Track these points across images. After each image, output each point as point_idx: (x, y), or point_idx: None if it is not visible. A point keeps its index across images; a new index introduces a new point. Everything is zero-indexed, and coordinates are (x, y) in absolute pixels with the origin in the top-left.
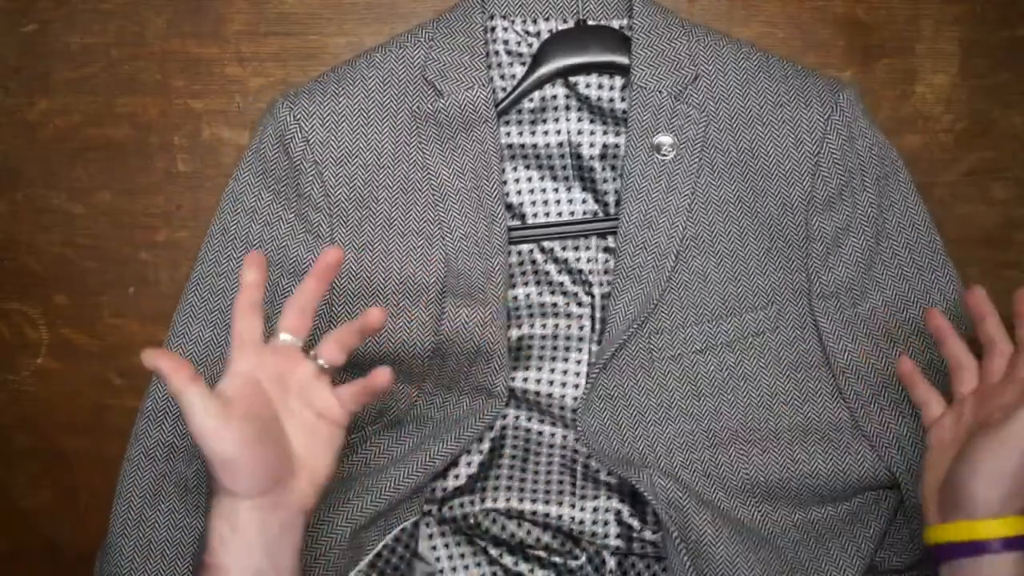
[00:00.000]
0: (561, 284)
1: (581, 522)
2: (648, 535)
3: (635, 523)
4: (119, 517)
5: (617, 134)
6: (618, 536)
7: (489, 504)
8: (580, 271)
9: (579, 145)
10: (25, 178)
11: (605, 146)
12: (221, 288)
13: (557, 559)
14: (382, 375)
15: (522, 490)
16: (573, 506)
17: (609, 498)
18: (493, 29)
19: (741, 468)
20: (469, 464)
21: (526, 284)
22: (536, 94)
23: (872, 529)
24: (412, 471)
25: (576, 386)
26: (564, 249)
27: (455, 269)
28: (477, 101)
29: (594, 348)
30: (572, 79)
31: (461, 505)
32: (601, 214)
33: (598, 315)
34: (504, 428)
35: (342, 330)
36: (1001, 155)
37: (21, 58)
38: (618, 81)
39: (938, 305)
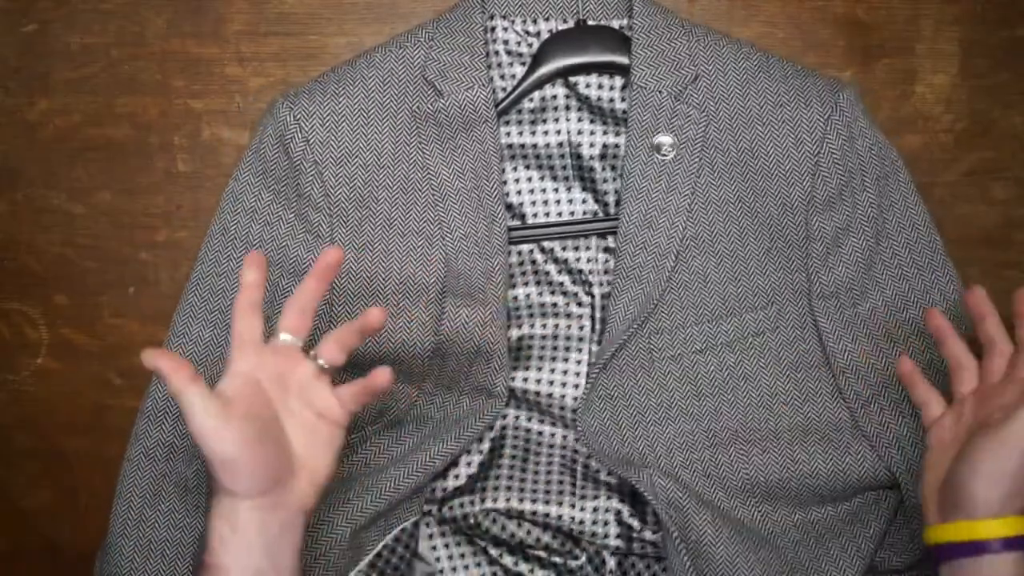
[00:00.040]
0: (561, 284)
1: (581, 522)
2: (648, 535)
3: (635, 523)
4: (119, 517)
5: (617, 134)
6: (618, 536)
7: (489, 504)
8: (580, 271)
9: (579, 145)
10: (25, 178)
11: (605, 146)
12: (221, 288)
13: (557, 559)
14: (382, 375)
15: (522, 490)
16: (573, 506)
17: (609, 498)
18: (493, 29)
19: (741, 468)
20: (469, 464)
21: (526, 284)
22: (536, 94)
23: (872, 529)
24: (412, 471)
25: (576, 386)
26: (564, 249)
27: (455, 269)
28: (477, 101)
29: (594, 348)
30: (572, 79)
31: (461, 505)
32: (601, 214)
33: (598, 315)
34: (504, 428)
35: (342, 330)
36: (1001, 155)
37: (21, 58)
38: (618, 81)
39: (938, 305)
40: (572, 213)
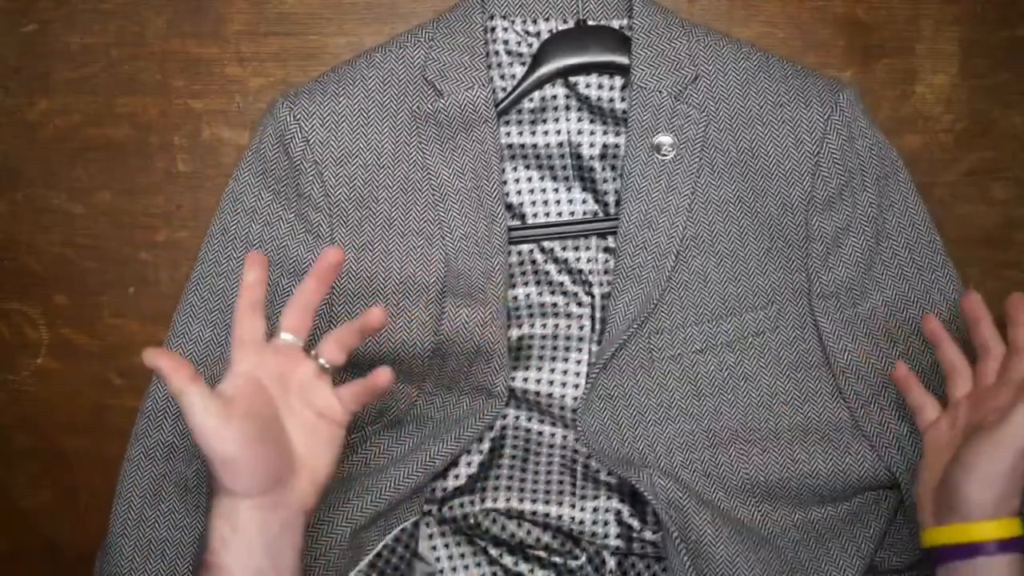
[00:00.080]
0: (561, 284)
1: (581, 522)
2: (648, 535)
3: (635, 523)
4: (119, 517)
5: (617, 134)
6: (618, 536)
7: (489, 504)
8: (580, 271)
9: (579, 145)
10: (25, 178)
11: (605, 146)
12: (221, 288)
13: (557, 559)
14: (383, 375)
15: (522, 490)
16: (573, 506)
17: (609, 498)
18: (493, 29)
19: (741, 468)
20: (469, 464)
21: (526, 284)
22: (536, 94)
23: (872, 529)
24: (412, 471)
25: (576, 386)
26: (564, 249)
27: (455, 269)
28: (477, 101)
29: (594, 348)
30: (572, 79)
31: (461, 505)
32: (601, 214)
33: (598, 315)
34: (504, 428)
35: (343, 330)
36: (1001, 155)
37: (21, 58)
38: (618, 81)
39: (938, 305)
40: (572, 213)
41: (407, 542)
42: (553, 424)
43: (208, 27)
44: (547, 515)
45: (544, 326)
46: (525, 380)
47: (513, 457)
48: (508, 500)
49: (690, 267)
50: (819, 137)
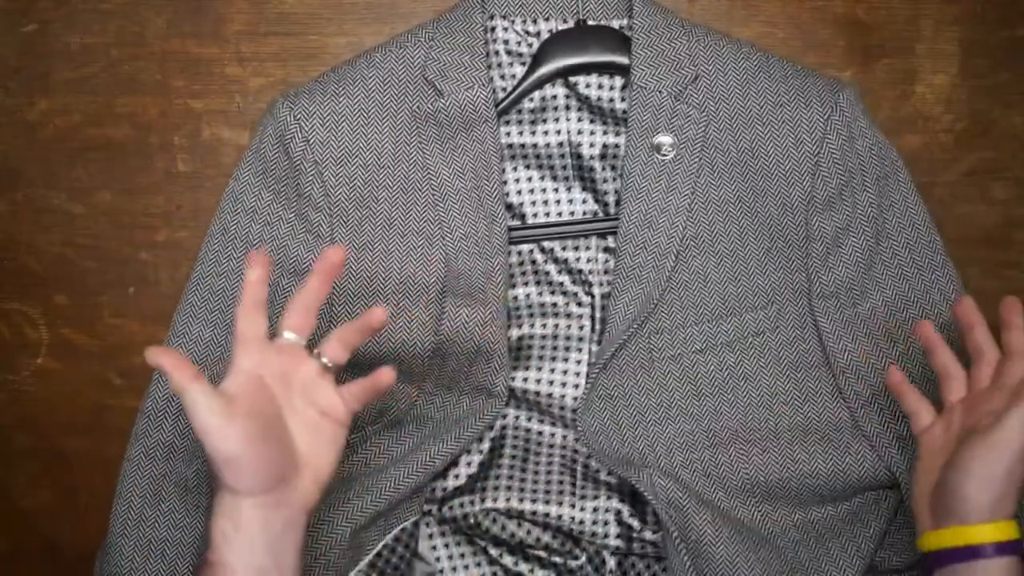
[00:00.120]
0: (561, 284)
1: (581, 522)
2: (648, 535)
3: (635, 523)
4: (119, 517)
5: (617, 134)
6: (618, 536)
7: (489, 504)
8: (580, 271)
9: (579, 145)
10: (25, 178)
11: (605, 146)
12: (221, 288)
13: (557, 559)
14: (386, 375)
15: (522, 490)
16: (573, 506)
17: (609, 498)
18: (493, 29)
19: (741, 468)
20: (469, 464)
21: (526, 284)
22: (536, 94)
23: (872, 529)
24: (412, 471)
25: (576, 386)
26: (564, 249)
27: (455, 269)
28: (477, 101)
29: (594, 348)
30: (572, 79)
31: (461, 505)
32: (601, 214)
33: (598, 315)
34: (504, 428)
35: (345, 329)
36: (1001, 155)
37: (21, 58)
38: (618, 81)
39: (938, 305)
40: (572, 213)
41: (407, 542)
42: (553, 424)
43: (208, 27)
44: (547, 515)
45: (544, 326)
46: (525, 380)
47: (513, 457)
48: (508, 500)
49: (690, 267)
50: (819, 137)
